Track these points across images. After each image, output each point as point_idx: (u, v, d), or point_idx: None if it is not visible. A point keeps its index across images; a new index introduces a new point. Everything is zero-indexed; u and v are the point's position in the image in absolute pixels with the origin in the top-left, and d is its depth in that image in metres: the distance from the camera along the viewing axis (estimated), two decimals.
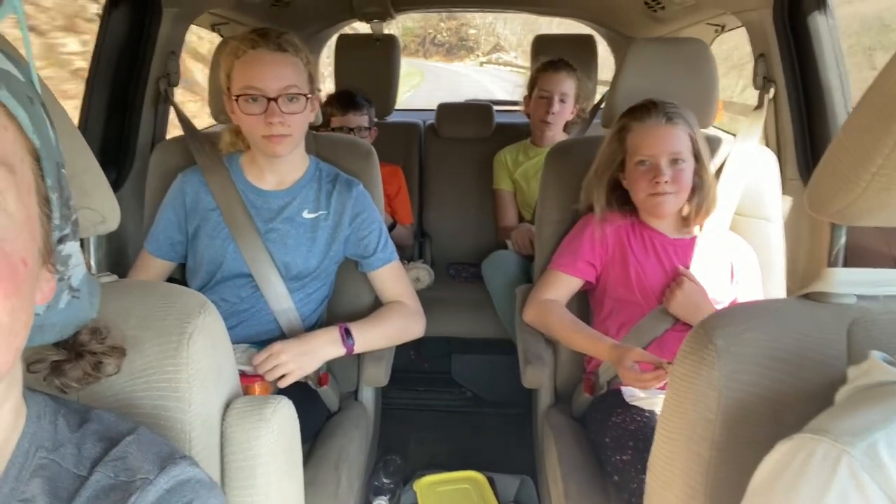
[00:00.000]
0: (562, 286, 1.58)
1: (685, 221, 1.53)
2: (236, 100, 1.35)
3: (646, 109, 1.47)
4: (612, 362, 1.38)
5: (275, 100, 1.32)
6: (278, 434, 0.78)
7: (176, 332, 0.73)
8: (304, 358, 1.35)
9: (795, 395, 0.69)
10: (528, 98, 2.49)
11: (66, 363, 0.59)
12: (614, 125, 1.53)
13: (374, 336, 1.47)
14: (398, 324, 1.51)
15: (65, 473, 0.54)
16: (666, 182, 1.43)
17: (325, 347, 1.38)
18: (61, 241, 0.53)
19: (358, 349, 1.42)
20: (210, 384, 0.74)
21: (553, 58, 2.42)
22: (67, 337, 0.59)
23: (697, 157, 1.48)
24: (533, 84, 2.45)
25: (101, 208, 0.76)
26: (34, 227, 0.48)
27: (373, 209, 1.53)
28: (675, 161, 1.44)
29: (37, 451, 0.53)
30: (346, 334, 1.40)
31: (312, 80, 1.42)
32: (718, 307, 1.49)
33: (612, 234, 1.54)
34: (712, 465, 0.71)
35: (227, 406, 0.78)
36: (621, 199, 1.54)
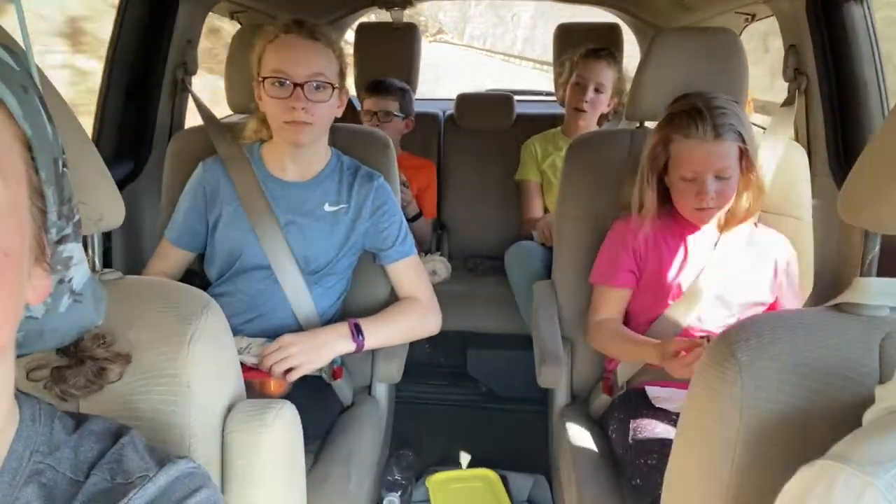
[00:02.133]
0: (611, 301, 1.51)
1: (728, 220, 1.46)
2: (263, 82, 1.35)
3: (692, 121, 1.34)
4: (658, 361, 1.33)
5: (301, 86, 1.32)
6: (280, 439, 0.75)
7: (177, 333, 0.71)
8: (313, 352, 1.34)
9: (823, 415, 0.65)
10: (563, 85, 2.39)
11: (68, 369, 0.58)
12: (657, 132, 1.43)
13: (386, 333, 1.45)
14: (411, 321, 1.49)
15: (61, 479, 0.52)
16: (711, 198, 1.36)
17: (334, 342, 1.37)
18: (62, 241, 0.51)
19: (368, 346, 1.41)
20: (211, 388, 0.72)
21: (597, 45, 2.32)
22: (69, 343, 0.57)
23: (745, 157, 1.37)
24: (570, 71, 2.35)
25: (101, 205, 0.74)
26: (21, 218, 0.46)
27: (393, 201, 1.51)
28: (720, 176, 1.36)
29: (31, 456, 0.52)
30: (357, 330, 1.39)
31: (343, 74, 1.41)
32: (761, 308, 1.44)
33: (648, 237, 1.48)
34: (732, 489, 0.67)
35: (229, 410, 0.77)
36: (661, 196, 1.47)
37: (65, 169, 0.52)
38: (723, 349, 0.70)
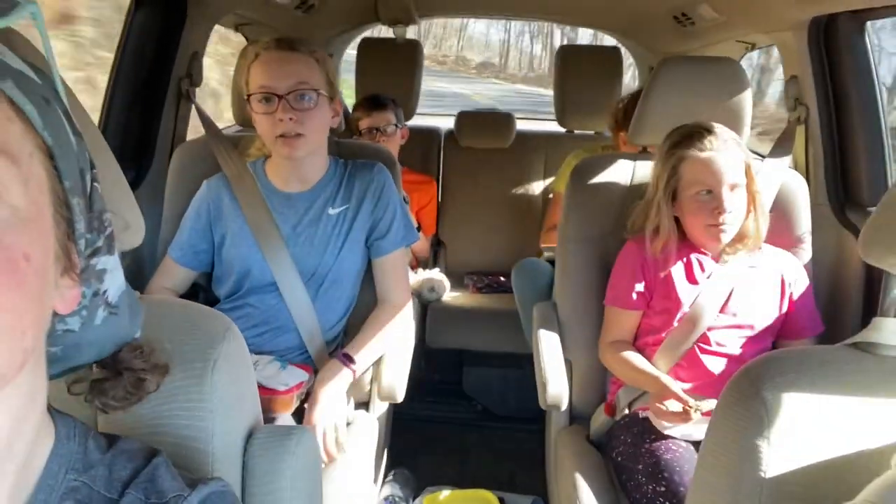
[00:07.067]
0: (622, 323, 1.53)
1: (733, 244, 1.47)
2: (250, 100, 1.36)
3: (701, 137, 1.41)
4: (651, 397, 1.35)
5: (285, 97, 1.32)
6: (302, 466, 0.75)
7: (200, 358, 0.70)
8: (332, 408, 1.36)
9: (850, 457, 0.65)
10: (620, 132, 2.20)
11: (107, 381, 0.58)
12: (666, 157, 1.46)
13: (371, 351, 1.47)
14: (387, 330, 1.50)
15: (96, 496, 0.52)
16: (728, 213, 1.39)
17: (337, 382, 1.39)
18: (94, 254, 0.51)
19: (360, 370, 1.43)
20: (234, 413, 0.72)
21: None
22: (107, 355, 0.57)
23: (749, 173, 1.43)
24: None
25: (123, 223, 0.73)
26: (44, 226, 0.46)
27: (392, 186, 1.52)
28: (734, 187, 1.40)
29: (66, 473, 0.52)
30: (347, 359, 1.41)
31: (331, 82, 1.41)
32: (773, 326, 1.45)
33: (658, 259, 1.49)
34: None
35: (250, 434, 0.76)
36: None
37: (95, 184, 0.52)
38: (747, 387, 0.70)
